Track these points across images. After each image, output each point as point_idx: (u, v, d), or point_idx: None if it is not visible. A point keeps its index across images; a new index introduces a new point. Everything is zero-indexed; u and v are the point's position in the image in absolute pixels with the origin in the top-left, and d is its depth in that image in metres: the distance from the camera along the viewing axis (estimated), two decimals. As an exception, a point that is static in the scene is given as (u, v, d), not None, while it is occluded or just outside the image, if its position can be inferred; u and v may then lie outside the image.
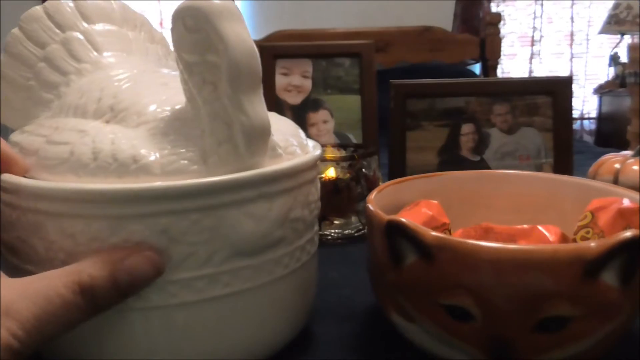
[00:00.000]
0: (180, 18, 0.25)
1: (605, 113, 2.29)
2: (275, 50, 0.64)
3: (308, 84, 0.64)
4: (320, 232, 0.49)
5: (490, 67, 2.09)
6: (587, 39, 2.39)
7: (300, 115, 0.64)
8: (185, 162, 0.24)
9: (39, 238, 0.24)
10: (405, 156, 0.58)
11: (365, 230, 0.34)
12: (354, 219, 0.50)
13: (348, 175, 0.48)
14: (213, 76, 0.24)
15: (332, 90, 0.64)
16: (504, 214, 0.37)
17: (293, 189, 0.27)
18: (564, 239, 0.31)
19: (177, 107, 0.27)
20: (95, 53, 0.33)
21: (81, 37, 0.33)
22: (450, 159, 0.59)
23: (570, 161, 0.58)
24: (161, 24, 2.42)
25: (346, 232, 0.50)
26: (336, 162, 0.49)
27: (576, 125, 2.45)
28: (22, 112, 0.32)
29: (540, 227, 0.31)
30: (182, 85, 0.26)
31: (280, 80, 0.64)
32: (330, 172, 0.49)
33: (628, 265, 0.23)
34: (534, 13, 2.38)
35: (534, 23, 2.38)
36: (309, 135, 0.65)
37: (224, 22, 0.24)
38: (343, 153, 0.54)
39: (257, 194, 0.25)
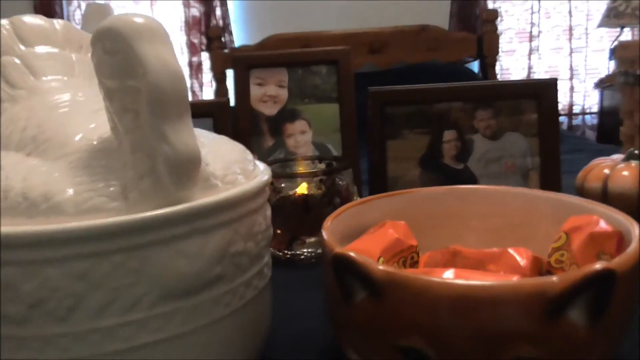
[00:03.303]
0: (99, 40, 0.23)
1: (607, 107, 2.24)
2: (249, 60, 0.61)
3: (284, 93, 0.62)
4: (293, 252, 0.47)
5: (488, 64, 2.07)
6: (586, 33, 2.35)
7: (276, 126, 0.62)
8: (104, 198, 0.22)
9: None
10: (385, 166, 0.56)
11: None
12: (329, 236, 0.48)
13: (320, 191, 0.46)
14: (134, 103, 0.22)
15: (309, 100, 0.62)
16: (475, 232, 0.34)
17: (232, 221, 0.25)
18: (536, 262, 0.29)
19: (104, 136, 0.24)
20: (32, 78, 0.31)
21: (17, 61, 0.31)
22: (433, 167, 0.56)
23: (558, 166, 0.55)
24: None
25: (319, 250, 0.47)
26: (307, 177, 0.47)
27: (578, 121, 2.41)
28: None
29: (510, 250, 0.29)
30: (107, 113, 0.24)
31: (255, 91, 0.62)
32: (302, 188, 0.46)
33: (597, 301, 0.21)
34: (531, 8, 2.34)
35: (531, 18, 2.35)
36: (287, 147, 0.63)
37: (143, 43, 0.22)
38: (319, 166, 0.52)
39: (189, 229, 0.23)
